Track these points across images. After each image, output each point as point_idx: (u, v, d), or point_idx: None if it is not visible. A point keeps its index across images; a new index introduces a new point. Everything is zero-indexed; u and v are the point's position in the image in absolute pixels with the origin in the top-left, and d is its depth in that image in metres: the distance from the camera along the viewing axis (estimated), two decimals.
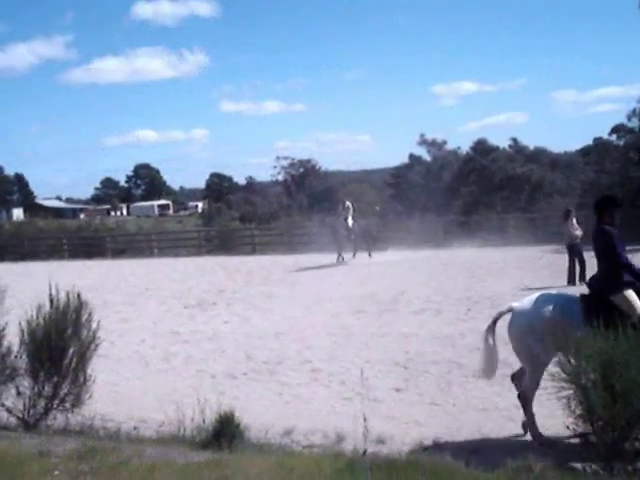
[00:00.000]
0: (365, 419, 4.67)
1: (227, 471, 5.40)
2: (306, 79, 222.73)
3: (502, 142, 67.43)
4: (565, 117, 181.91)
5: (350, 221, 27.83)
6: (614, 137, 47.37)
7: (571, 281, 18.68)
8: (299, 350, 13.47)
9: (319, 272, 24.94)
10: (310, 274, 24.61)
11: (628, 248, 23.13)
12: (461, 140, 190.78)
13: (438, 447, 7.44)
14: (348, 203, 28.89)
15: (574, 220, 19.42)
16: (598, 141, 54.69)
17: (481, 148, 62.06)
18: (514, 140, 65.41)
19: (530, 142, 69.18)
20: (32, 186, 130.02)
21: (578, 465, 5.95)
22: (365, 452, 4.43)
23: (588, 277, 18.32)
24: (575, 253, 19.00)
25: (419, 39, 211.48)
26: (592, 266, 18.67)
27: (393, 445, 7.83)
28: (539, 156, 61.16)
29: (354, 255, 28.25)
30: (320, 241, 35.56)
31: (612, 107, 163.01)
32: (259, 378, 11.83)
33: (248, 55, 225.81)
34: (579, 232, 19.22)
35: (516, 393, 10.01)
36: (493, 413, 9.28)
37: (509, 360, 11.55)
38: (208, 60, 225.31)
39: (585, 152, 61.73)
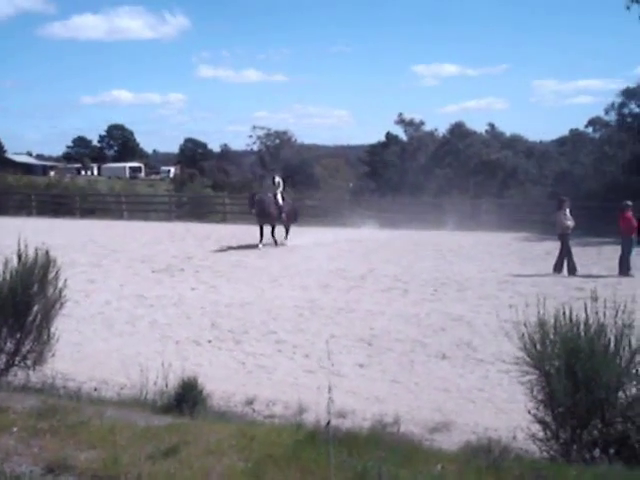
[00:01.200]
0: (330, 390, 4.67)
1: (188, 436, 5.39)
2: (288, 50, 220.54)
3: (479, 127, 67.65)
4: (544, 106, 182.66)
5: (279, 198, 25.19)
6: (590, 130, 47.71)
7: (572, 271, 18.51)
8: (265, 321, 13.48)
9: (288, 244, 24.91)
10: (280, 246, 24.59)
11: (599, 240, 23.24)
12: (439, 122, 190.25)
13: (398, 424, 7.48)
14: (278, 179, 25.96)
15: (567, 210, 19.08)
16: (574, 132, 55.03)
17: (458, 131, 62.15)
18: (491, 126, 65.60)
19: (507, 129, 69.66)
20: (2, 140, 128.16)
21: (536, 449, 6.02)
22: (329, 423, 4.43)
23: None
24: (562, 243, 18.86)
25: (404, 18, 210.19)
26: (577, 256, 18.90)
27: (354, 419, 7.88)
28: (515, 143, 61.36)
29: (286, 236, 25.50)
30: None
31: (591, 99, 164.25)
32: (223, 346, 11.84)
33: (230, 21, 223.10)
34: (571, 222, 18.85)
35: (478, 375, 10.14)
36: (454, 394, 9.36)
37: (473, 343, 11.70)
38: (189, 23, 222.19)
39: (561, 142, 62.07)
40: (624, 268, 18.26)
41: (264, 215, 24.49)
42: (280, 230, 25.19)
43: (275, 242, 24.65)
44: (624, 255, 18.44)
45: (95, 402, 7.44)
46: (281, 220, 25.23)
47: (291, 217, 25.88)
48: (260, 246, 24.05)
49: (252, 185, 60.10)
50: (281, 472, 4.64)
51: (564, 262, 18.70)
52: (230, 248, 24.34)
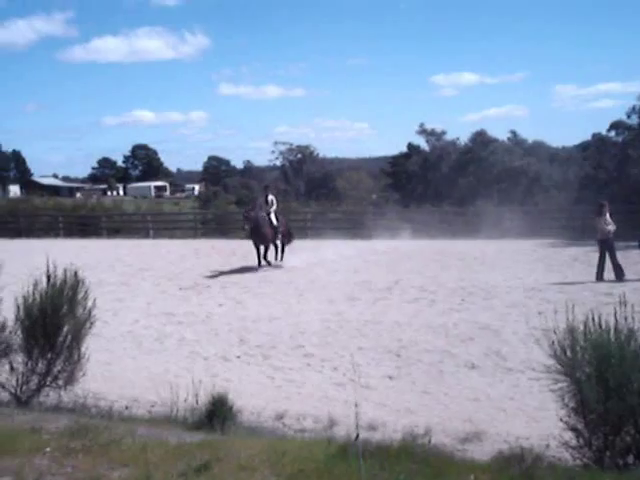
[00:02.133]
0: (357, 405, 4.68)
1: (219, 453, 5.40)
2: (306, 64, 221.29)
3: (501, 134, 67.57)
4: (564, 112, 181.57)
5: (273, 218, 23.35)
6: (613, 133, 47.30)
7: (600, 277, 18.21)
8: (293, 335, 13.48)
9: (314, 258, 24.87)
10: (305, 260, 24.53)
11: (626, 244, 23.00)
12: (460, 131, 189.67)
13: (429, 435, 7.45)
14: (271, 197, 24.00)
15: (607, 215, 18.70)
16: (597, 137, 54.56)
17: (480, 139, 62.01)
18: (513, 133, 65.43)
19: (529, 135, 69.28)
20: (29, 163, 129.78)
21: (569, 457, 5.97)
22: (357, 437, 4.42)
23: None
24: (607, 248, 18.42)
25: (421, 28, 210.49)
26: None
27: (385, 432, 7.85)
28: (537, 150, 61.10)
29: (281, 258, 23.90)
30: (314, 227, 35.56)
31: (612, 103, 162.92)
32: (252, 361, 11.86)
33: (249, 38, 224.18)
34: (612, 227, 18.53)
35: (508, 384, 10.06)
36: (484, 403, 9.31)
37: (502, 352, 11.63)
38: (208, 42, 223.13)
39: (583, 147, 61.66)
40: None
41: (259, 235, 22.86)
42: (274, 251, 23.71)
43: (269, 263, 23.11)
44: None
45: (126, 420, 7.49)
46: (276, 241, 23.58)
47: (286, 237, 24.27)
48: (259, 269, 22.66)
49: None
50: None
51: (620, 265, 18.37)
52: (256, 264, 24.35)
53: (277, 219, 23.58)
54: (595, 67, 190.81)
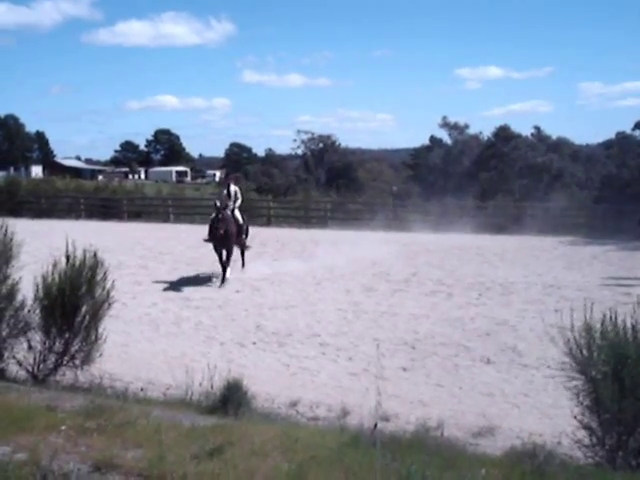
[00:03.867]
0: (380, 393, 4.68)
1: (232, 437, 5.43)
2: (331, 54, 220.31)
3: (525, 130, 67.23)
4: (589, 109, 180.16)
5: (238, 214, 19.12)
6: (637, 132, 46.96)
7: None
8: (309, 323, 13.51)
9: (333, 248, 24.82)
10: (324, 249, 24.48)
11: None
12: (483, 125, 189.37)
13: (442, 428, 7.45)
14: (235, 188, 19.48)
15: None
16: (621, 135, 54.16)
17: (503, 134, 61.69)
18: (537, 129, 65.07)
19: (553, 132, 68.98)
20: (52, 145, 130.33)
21: (581, 456, 5.96)
22: (376, 425, 4.43)
23: None
24: None
25: (446, 21, 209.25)
26: None
27: (397, 423, 7.86)
28: (561, 146, 60.77)
29: (243, 264, 19.63)
30: (334, 217, 35.58)
31: (637, 102, 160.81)
32: (267, 348, 11.90)
33: (274, 26, 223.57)
34: None
35: (522, 380, 10.05)
36: (498, 399, 9.29)
37: (518, 348, 11.60)
38: (233, 29, 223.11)
39: (607, 145, 61.30)
40: None
41: (220, 237, 18.05)
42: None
43: (224, 276, 18.10)
44: None
45: (141, 402, 7.53)
46: (240, 243, 19.41)
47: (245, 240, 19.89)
48: (227, 276, 18.20)
49: (296, 189, 60.22)
50: (325, 474, 4.65)
51: None
52: (273, 251, 24.41)
53: (242, 217, 19.46)
54: (621, 65, 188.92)
